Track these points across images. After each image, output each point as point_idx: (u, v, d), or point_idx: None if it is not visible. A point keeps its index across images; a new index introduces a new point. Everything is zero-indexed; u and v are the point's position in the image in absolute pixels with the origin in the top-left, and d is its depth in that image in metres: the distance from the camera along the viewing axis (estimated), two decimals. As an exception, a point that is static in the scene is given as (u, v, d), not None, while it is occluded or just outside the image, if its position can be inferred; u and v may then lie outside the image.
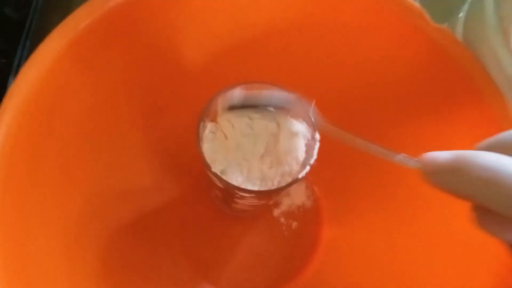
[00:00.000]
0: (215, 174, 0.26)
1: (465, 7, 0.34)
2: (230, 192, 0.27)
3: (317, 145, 0.26)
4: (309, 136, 0.27)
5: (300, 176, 0.26)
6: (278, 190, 0.26)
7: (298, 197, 0.38)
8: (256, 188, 0.26)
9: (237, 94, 0.26)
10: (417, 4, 0.31)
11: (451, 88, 0.31)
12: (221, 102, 0.26)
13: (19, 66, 0.39)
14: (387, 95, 0.33)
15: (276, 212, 0.37)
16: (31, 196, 0.29)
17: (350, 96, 0.35)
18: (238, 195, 0.27)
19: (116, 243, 0.34)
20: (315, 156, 0.26)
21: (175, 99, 0.35)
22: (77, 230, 0.31)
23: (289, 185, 0.26)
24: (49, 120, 0.30)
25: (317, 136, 0.27)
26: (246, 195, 0.27)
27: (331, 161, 0.37)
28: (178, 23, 0.33)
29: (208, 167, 0.26)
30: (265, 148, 0.26)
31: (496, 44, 0.29)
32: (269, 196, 0.29)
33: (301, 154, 0.27)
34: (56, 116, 0.30)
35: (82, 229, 0.32)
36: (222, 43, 0.34)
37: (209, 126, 0.27)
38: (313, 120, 0.27)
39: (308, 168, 0.26)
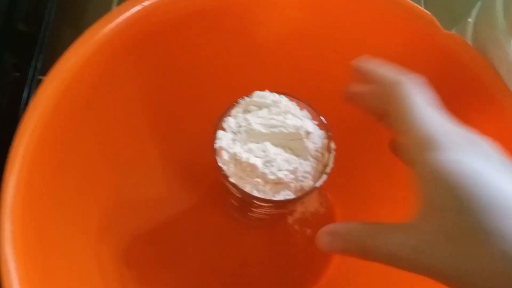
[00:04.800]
0: (233, 184, 0.26)
1: (474, 12, 0.34)
2: (247, 201, 0.28)
3: (333, 154, 0.27)
4: (320, 141, 0.27)
5: (317, 184, 0.26)
6: (297, 199, 0.26)
7: (311, 204, 0.38)
8: (274, 198, 0.26)
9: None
10: (427, 11, 0.31)
11: (463, 94, 0.31)
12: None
13: (33, 79, 0.40)
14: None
15: (290, 219, 0.38)
16: (50, 211, 0.29)
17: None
18: (255, 204, 0.28)
19: (133, 254, 0.34)
20: (331, 165, 0.26)
21: (190, 109, 0.35)
22: (95, 241, 0.32)
23: (307, 194, 0.26)
24: (68, 134, 0.30)
25: (333, 145, 0.27)
26: (264, 204, 0.27)
27: (343, 167, 0.37)
28: (192, 35, 0.33)
29: (225, 177, 0.26)
30: (282, 156, 0.26)
31: (507, 48, 0.29)
32: (287, 205, 0.29)
33: (314, 160, 0.27)
34: (76, 130, 0.30)
35: (100, 240, 0.32)
36: (236, 54, 0.34)
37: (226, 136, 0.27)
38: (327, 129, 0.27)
39: (325, 177, 0.26)
